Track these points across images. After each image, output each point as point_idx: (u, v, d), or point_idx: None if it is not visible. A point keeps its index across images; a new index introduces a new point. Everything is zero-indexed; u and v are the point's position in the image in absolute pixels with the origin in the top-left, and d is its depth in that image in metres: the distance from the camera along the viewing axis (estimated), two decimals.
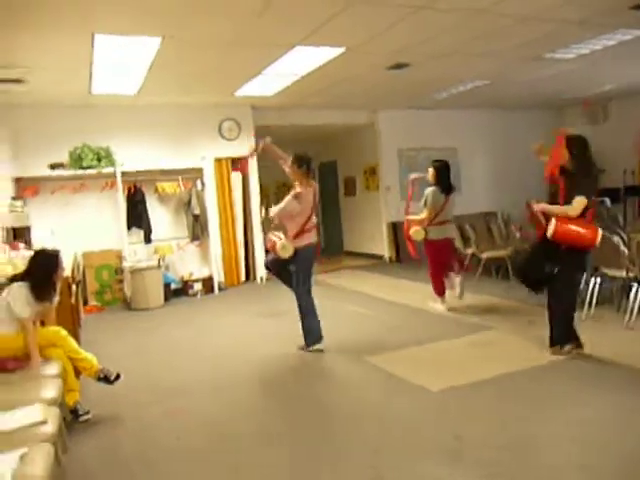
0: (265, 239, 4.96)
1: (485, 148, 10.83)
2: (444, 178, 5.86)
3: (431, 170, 5.88)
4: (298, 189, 4.63)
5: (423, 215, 5.87)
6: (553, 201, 4.10)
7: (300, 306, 4.75)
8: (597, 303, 5.19)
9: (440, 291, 6.02)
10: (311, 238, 4.70)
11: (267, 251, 5.08)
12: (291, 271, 4.72)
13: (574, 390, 3.57)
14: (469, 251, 7.80)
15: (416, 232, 5.76)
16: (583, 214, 3.97)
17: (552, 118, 11.59)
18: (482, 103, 10.01)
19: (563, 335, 4.20)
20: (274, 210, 4.69)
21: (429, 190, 5.87)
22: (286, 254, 4.58)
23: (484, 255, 7.40)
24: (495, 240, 7.68)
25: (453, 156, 10.56)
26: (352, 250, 11.51)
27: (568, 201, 3.99)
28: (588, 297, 5.21)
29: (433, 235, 5.82)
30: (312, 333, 4.73)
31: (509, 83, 8.18)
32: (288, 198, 4.63)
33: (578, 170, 4.05)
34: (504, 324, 5.09)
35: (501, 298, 6.21)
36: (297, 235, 4.63)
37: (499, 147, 10.78)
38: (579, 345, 4.21)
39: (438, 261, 5.93)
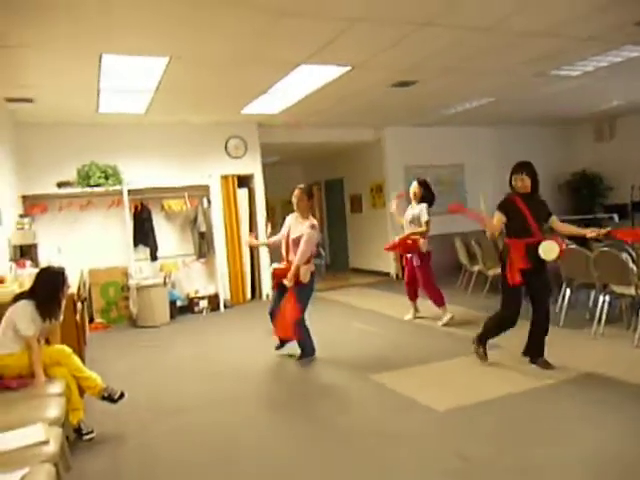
0: (272, 271, 5.06)
1: (492, 165, 10.82)
2: (430, 193, 6.20)
3: (417, 185, 6.19)
4: (314, 220, 4.90)
5: (423, 229, 6.06)
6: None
7: (304, 326, 4.93)
8: (606, 321, 5.14)
9: (442, 300, 6.18)
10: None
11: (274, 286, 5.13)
12: (296, 295, 4.79)
13: (583, 410, 3.52)
14: (476, 268, 7.77)
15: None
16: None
17: (560, 135, 11.62)
18: (488, 120, 10.05)
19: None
20: (300, 257, 4.75)
21: (424, 205, 6.11)
22: (306, 279, 4.80)
23: (490, 272, 7.37)
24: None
25: (460, 173, 10.60)
26: (358, 267, 11.48)
27: (543, 222, 4.32)
28: (597, 315, 5.17)
29: (429, 247, 6.16)
30: (310, 346, 5.01)
31: (514, 100, 8.21)
32: (309, 233, 4.78)
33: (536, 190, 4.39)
34: (511, 342, 5.03)
35: None
36: (309, 261, 4.85)
37: (506, 164, 10.68)
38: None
39: (432, 272, 6.20)
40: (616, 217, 9.80)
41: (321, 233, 11.76)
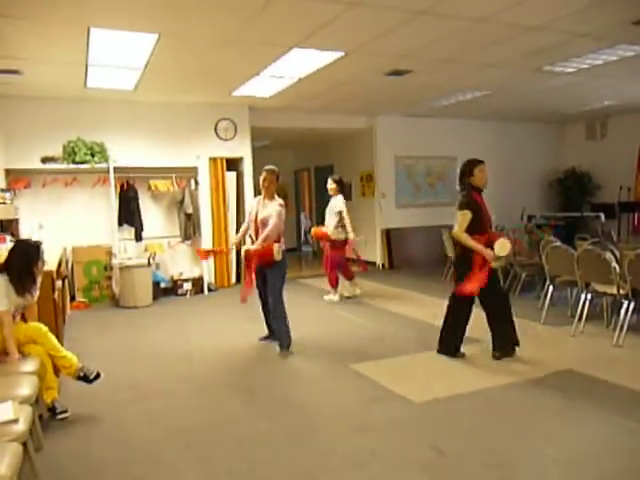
0: (245, 252, 4.92)
1: (485, 159, 10.73)
2: (344, 188, 7.31)
3: (333, 183, 7.09)
4: (280, 200, 4.89)
5: (348, 221, 6.98)
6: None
7: (280, 311, 4.87)
8: (587, 319, 5.18)
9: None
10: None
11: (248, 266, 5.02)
12: (271, 277, 4.82)
13: (561, 407, 3.55)
14: None
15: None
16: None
17: (554, 132, 11.65)
18: (483, 113, 10.04)
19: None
20: (272, 229, 4.70)
21: (341, 199, 7.06)
22: (279, 257, 4.77)
23: None
24: None
25: (452, 165, 10.59)
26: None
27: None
28: (578, 313, 5.21)
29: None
30: (289, 336, 4.92)
31: (508, 95, 8.20)
32: (279, 209, 4.79)
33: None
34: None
35: None
36: (279, 239, 4.82)
37: (499, 159, 10.78)
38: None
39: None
40: (602, 216, 9.88)
41: (309, 220, 11.67)
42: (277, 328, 4.91)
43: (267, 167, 4.88)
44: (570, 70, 6.64)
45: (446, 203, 10.48)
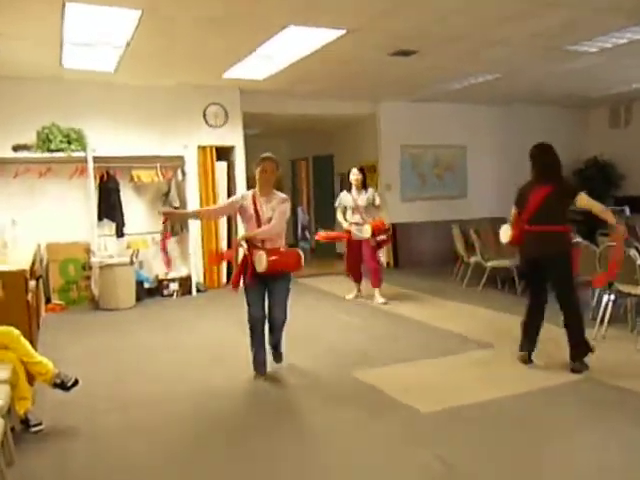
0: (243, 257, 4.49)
1: (497, 147, 10.83)
2: (365, 180, 7.13)
3: (360, 173, 7.05)
4: (283, 194, 4.51)
5: (382, 212, 7.17)
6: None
7: (285, 321, 4.50)
8: (610, 322, 5.19)
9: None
10: None
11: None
12: (280, 288, 4.40)
13: (580, 419, 3.55)
14: (472, 259, 7.79)
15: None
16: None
17: (574, 118, 11.62)
18: (495, 98, 10.02)
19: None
20: (277, 224, 4.34)
21: (374, 189, 7.19)
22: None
23: (489, 264, 7.40)
24: (502, 248, 7.65)
25: (462, 155, 10.60)
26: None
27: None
28: (600, 315, 5.21)
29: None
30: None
31: (524, 77, 8.18)
32: (288, 206, 4.43)
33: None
34: (506, 341, 5.06)
35: (505, 312, 6.18)
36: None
37: (513, 147, 10.75)
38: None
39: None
40: (627, 210, 9.86)
41: (307, 215, 11.67)
42: (279, 337, 4.63)
43: (265, 154, 4.44)
44: (593, 50, 6.62)
45: (455, 196, 10.49)
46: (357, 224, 7.04)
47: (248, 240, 4.37)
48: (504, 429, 3.43)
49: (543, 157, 4.48)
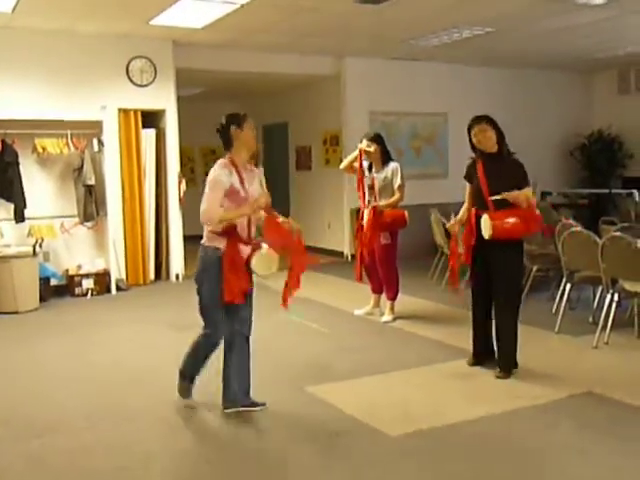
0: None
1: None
2: (387, 151, 6.39)
3: (373, 143, 6.25)
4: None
5: (396, 197, 6.26)
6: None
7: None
8: (613, 326, 5.31)
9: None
10: None
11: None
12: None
13: (579, 440, 3.63)
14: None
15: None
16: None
17: (576, 84, 11.85)
18: (483, 58, 10.14)
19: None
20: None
21: (397, 165, 6.30)
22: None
23: None
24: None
25: (443, 123, 10.70)
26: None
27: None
28: (602, 318, 5.34)
29: None
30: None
31: (518, 33, 8.30)
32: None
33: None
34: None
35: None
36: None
37: (505, 117, 10.85)
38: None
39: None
40: (637, 194, 10.16)
41: None
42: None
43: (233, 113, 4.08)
44: (598, 1, 6.75)
45: (435, 174, 10.57)
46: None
47: (229, 230, 3.94)
48: (490, 454, 3.48)
49: None
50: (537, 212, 4.61)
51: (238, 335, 4.11)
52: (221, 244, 3.91)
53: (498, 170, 4.62)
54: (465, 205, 4.90)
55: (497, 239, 4.44)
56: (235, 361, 4.11)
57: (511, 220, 4.46)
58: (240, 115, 4.04)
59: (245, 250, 3.95)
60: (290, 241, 4.20)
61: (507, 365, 4.64)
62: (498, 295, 4.64)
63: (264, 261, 3.98)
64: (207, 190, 3.87)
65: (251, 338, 4.16)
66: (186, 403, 4.25)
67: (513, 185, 4.52)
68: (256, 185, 4.13)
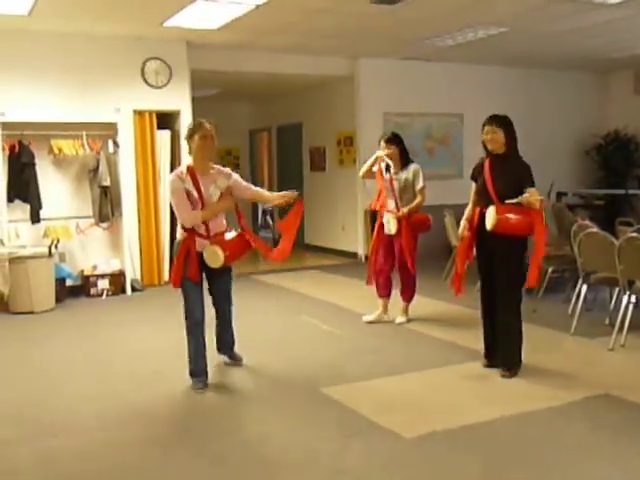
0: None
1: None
2: (406, 152, 6.34)
3: (387, 145, 6.16)
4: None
5: (419, 200, 6.23)
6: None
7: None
8: (630, 328, 5.27)
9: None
10: None
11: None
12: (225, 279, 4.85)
13: (595, 444, 3.60)
14: None
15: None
16: None
17: (592, 84, 11.78)
18: (498, 57, 10.10)
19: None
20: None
21: (418, 166, 6.28)
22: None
23: None
24: None
25: (458, 125, 10.67)
26: (316, 244, 11.50)
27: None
28: (619, 320, 5.30)
29: None
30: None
31: (533, 33, 8.27)
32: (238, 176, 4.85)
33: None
34: None
35: None
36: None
37: (519, 117, 10.80)
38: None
39: None
40: None
41: None
42: (233, 331, 5.06)
43: (198, 119, 4.68)
44: (614, 1, 6.71)
45: (449, 175, 10.53)
46: (391, 213, 6.22)
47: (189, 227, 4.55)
48: (504, 457, 3.46)
49: None
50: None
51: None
52: (182, 237, 4.57)
53: (503, 169, 4.62)
54: (470, 205, 4.93)
55: (501, 234, 4.48)
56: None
57: (516, 217, 4.48)
58: (194, 126, 4.58)
59: (203, 243, 4.49)
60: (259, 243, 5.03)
61: (509, 362, 4.63)
62: (499, 291, 4.67)
63: (210, 254, 4.46)
64: (172, 200, 4.55)
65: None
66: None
67: (518, 184, 4.52)
68: (214, 188, 4.57)
